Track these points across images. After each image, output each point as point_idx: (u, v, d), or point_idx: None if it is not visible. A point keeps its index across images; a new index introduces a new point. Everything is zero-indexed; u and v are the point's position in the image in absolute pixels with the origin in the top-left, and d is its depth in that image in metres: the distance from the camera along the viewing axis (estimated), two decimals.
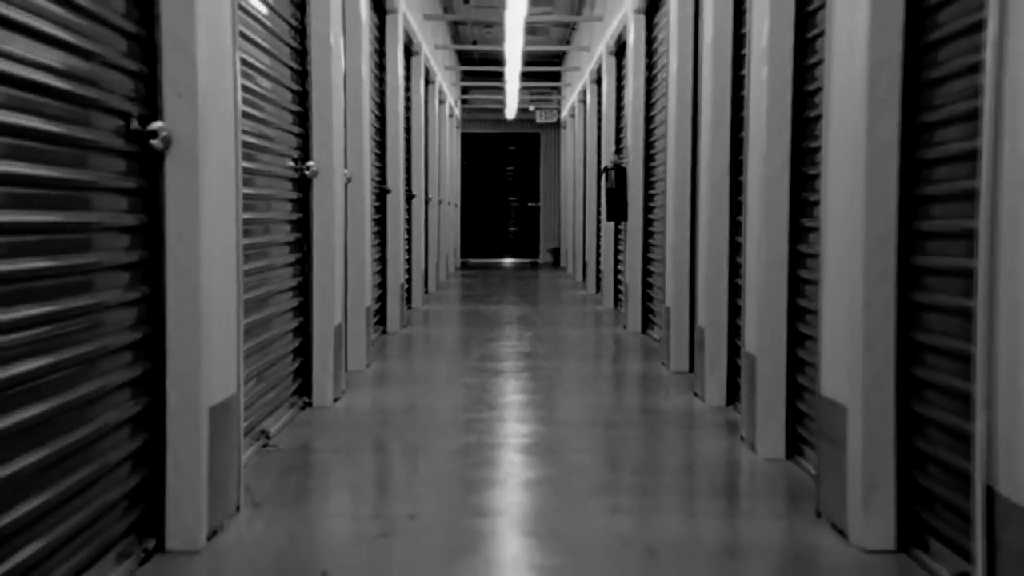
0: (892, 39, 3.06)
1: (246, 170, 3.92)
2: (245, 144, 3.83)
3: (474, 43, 17.06)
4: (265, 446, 4.31)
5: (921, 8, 3.05)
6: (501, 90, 18.22)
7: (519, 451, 4.62)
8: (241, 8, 3.89)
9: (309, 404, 5.29)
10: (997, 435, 2.27)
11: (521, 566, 3.14)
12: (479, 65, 18.21)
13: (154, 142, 2.94)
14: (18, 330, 2.30)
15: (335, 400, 5.41)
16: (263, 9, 4.39)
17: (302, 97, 5.21)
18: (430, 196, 12.33)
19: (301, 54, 5.19)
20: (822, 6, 3.81)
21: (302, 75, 5.21)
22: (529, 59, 15.60)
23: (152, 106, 3.01)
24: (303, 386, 5.26)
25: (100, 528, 2.74)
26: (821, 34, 3.87)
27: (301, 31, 5.17)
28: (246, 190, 3.88)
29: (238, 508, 3.43)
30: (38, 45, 2.38)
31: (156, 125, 2.94)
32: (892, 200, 3.09)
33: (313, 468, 4.28)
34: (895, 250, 3.11)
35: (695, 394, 5.78)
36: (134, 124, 2.87)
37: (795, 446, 4.30)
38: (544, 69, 17.52)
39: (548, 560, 3.16)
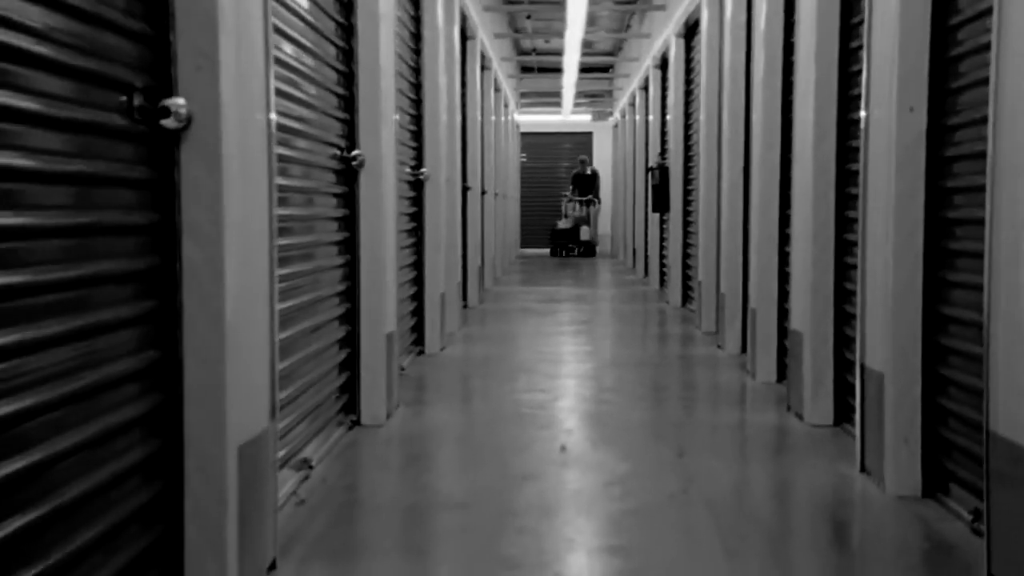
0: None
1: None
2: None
3: (534, 51, 18.69)
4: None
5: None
6: (559, 95, 19.81)
7: (585, 377, 6.32)
8: None
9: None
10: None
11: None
12: (538, 74, 19.87)
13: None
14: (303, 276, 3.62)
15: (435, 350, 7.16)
16: None
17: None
18: (497, 192, 14.04)
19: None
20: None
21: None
22: (583, 67, 17.19)
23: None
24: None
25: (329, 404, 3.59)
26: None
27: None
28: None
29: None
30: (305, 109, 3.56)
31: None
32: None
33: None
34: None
35: (718, 346, 7.43)
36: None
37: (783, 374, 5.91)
38: (597, 76, 19.14)
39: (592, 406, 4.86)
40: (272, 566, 2.90)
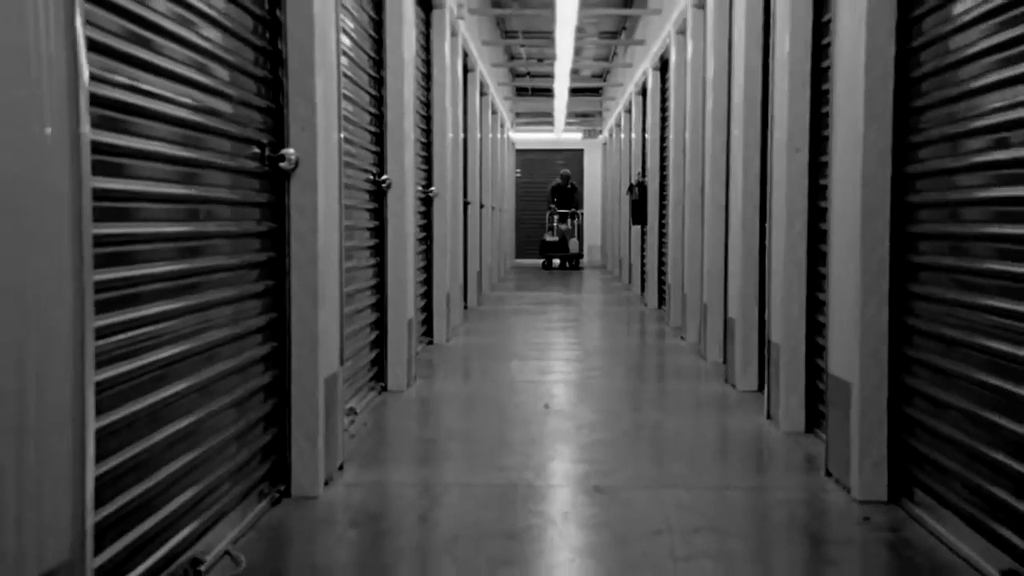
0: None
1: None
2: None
3: (528, 75, 20.06)
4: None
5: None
6: (551, 115, 21.17)
7: (568, 360, 7.64)
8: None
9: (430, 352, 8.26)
10: (830, 337, 5.12)
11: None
12: (533, 96, 21.29)
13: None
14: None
15: (449, 337, 8.48)
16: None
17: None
18: (494, 206, 15.38)
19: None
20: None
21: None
22: (574, 91, 18.57)
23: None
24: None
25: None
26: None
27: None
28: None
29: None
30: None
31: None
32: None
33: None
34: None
35: (681, 338, 8.76)
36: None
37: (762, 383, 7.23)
38: (588, 95, 20.52)
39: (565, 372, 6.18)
40: (340, 467, 4.22)
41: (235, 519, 3.37)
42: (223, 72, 3.30)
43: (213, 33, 3.21)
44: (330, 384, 4.02)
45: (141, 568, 2.60)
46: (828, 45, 4.51)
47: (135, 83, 2.62)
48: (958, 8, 3.39)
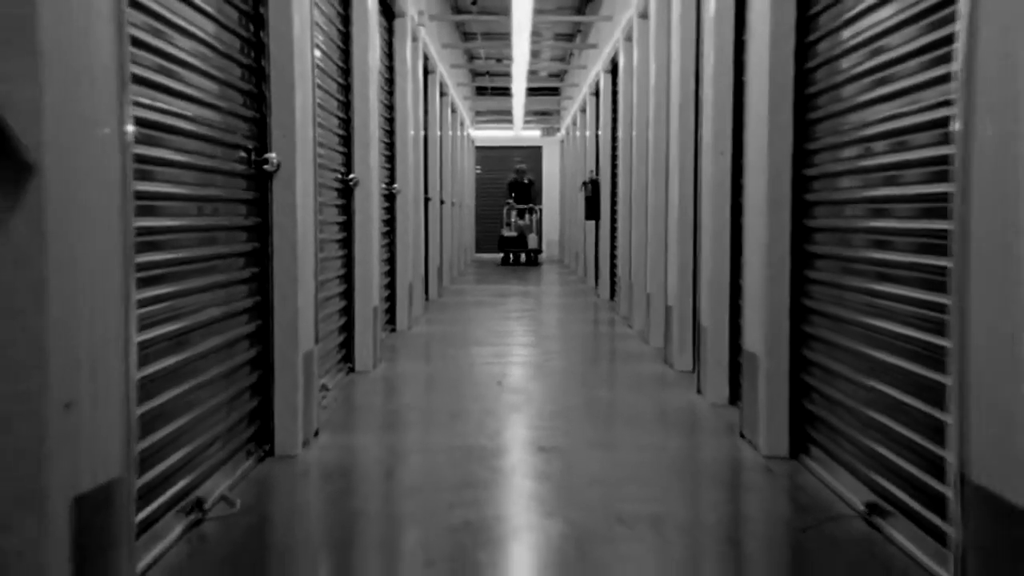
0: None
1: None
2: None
3: (488, 74, 20.64)
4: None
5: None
6: (509, 113, 21.76)
7: (523, 346, 8.24)
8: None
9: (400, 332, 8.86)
10: (745, 317, 5.75)
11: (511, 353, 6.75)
12: (492, 95, 21.86)
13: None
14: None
15: (411, 326, 9.05)
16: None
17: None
18: (453, 201, 15.93)
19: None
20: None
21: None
22: (532, 91, 19.16)
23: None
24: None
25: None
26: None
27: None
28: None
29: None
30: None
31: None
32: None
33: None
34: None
35: (629, 326, 9.39)
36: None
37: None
38: (546, 95, 21.10)
39: (521, 353, 6.78)
40: (316, 433, 4.78)
41: (228, 472, 3.93)
42: (215, 88, 3.85)
43: (209, 54, 3.76)
44: (307, 359, 4.59)
45: (161, 499, 3.16)
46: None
47: (153, 102, 3.18)
48: (844, 35, 4.01)
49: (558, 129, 24.38)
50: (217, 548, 3.26)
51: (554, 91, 22.49)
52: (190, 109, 3.56)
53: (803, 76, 4.39)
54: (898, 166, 3.45)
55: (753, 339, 4.67)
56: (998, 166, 2.33)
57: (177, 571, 3.02)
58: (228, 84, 3.98)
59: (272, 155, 4.30)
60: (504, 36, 14.79)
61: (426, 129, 11.89)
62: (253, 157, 4.27)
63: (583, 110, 16.49)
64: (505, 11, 11.89)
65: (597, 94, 14.12)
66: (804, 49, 4.38)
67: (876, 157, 3.65)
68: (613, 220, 12.40)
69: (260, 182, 4.35)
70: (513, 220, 21.02)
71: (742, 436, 4.79)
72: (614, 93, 12.31)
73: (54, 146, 2.08)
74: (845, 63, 3.99)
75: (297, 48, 4.40)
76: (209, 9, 3.76)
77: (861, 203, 3.83)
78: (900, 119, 3.42)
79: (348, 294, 6.75)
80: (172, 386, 3.34)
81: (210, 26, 3.79)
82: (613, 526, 3.49)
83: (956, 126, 2.54)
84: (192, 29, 3.56)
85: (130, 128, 2.48)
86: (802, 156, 4.40)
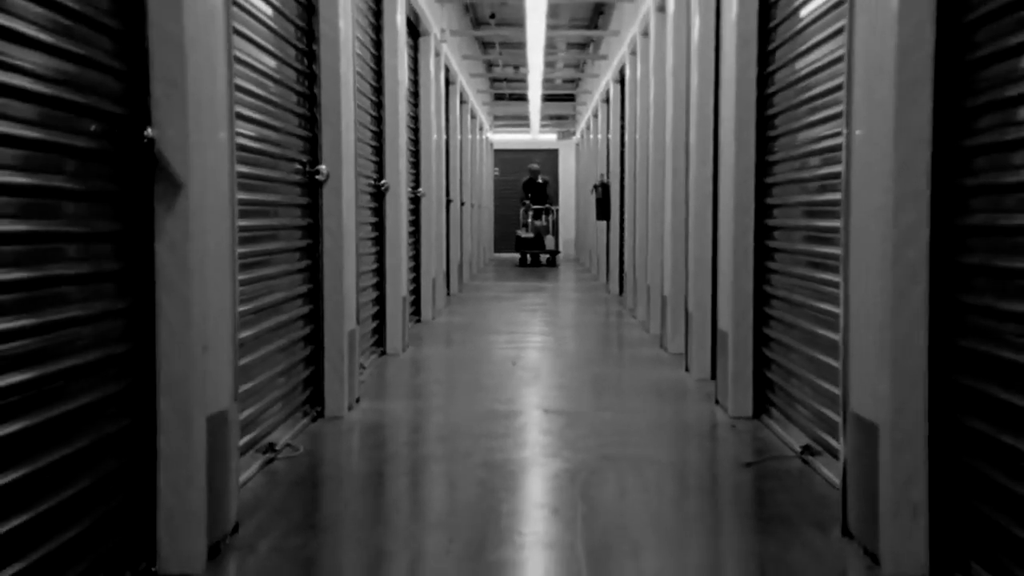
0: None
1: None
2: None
3: (506, 81, 21.54)
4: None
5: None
6: (527, 118, 22.67)
7: (536, 334, 9.14)
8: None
9: (418, 320, 9.80)
10: (690, 284, 6.64)
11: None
12: (510, 101, 22.79)
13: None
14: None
15: (433, 318, 9.97)
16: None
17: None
18: (473, 203, 16.85)
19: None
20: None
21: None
22: (548, 97, 20.06)
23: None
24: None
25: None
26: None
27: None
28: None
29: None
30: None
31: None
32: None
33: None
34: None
35: (633, 316, 10.28)
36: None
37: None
38: (561, 102, 21.99)
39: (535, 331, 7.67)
40: (357, 400, 5.68)
41: (288, 427, 4.84)
42: (273, 111, 4.76)
43: (271, 85, 4.67)
44: (351, 337, 5.50)
45: (245, 439, 4.08)
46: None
47: (238, 129, 4.09)
48: (797, 65, 4.88)
49: (574, 133, 25.27)
50: (286, 477, 4.17)
51: (570, 97, 23.39)
52: (259, 131, 4.48)
53: (764, 100, 5.26)
54: (827, 176, 4.33)
55: (724, 320, 5.54)
56: (863, 166, 3.21)
57: (260, 490, 3.93)
58: (287, 109, 4.90)
59: (323, 167, 5.21)
60: (521, 46, 15.68)
61: (447, 134, 12.81)
62: (307, 169, 5.18)
63: (596, 116, 17.37)
64: (521, 23, 12.77)
65: (608, 101, 15.00)
66: (764, 78, 5.26)
67: (812, 169, 4.53)
68: (622, 220, 13.27)
69: (312, 190, 5.26)
70: (530, 221, 20.88)
71: (716, 402, 5.66)
72: (622, 102, 13.19)
73: (193, 169, 2.99)
74: (793, 91, 4.86)
75: (343, 78, 5.32)
76: (271, 47, 4.67)
77: (802, 206, 4.70)
78: (828, 139, 4.30)
79: (380, 286, 7.66)
80: (251, 352, 4.25)
81: (271, 61, 4.70)
82: (601, 463, 4.38)
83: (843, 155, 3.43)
84: (258, 64, 4.47)
85: (233, 154, 3.40)
86: (763, 167, 5.27)
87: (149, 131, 2.86)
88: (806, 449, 4.37)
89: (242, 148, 4.13)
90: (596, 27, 15.31)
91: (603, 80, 15.00)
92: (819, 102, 4.48)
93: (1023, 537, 2.59)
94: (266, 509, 3.68)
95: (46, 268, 2.54)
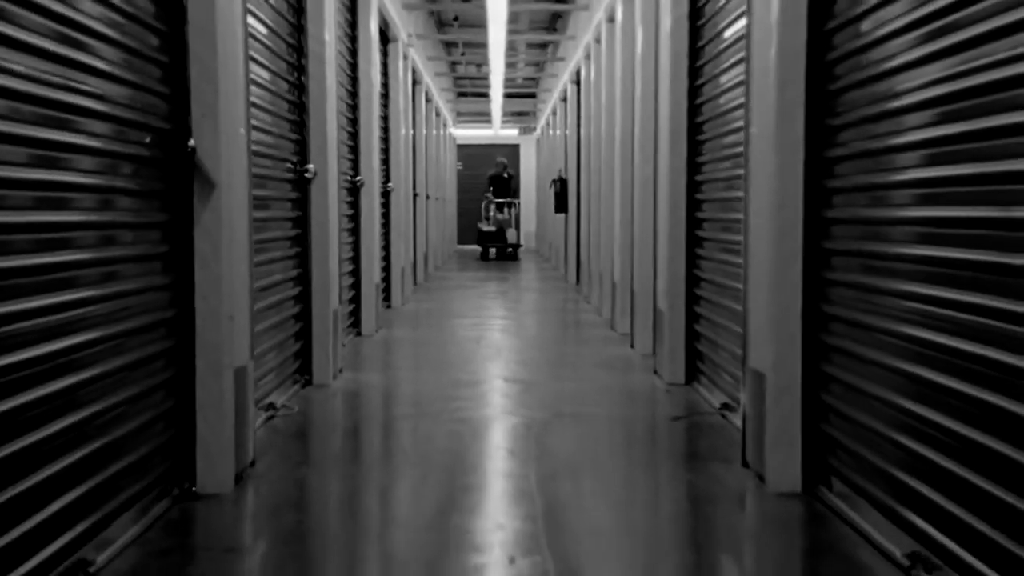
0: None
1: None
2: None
3: (468, 78, 22.29)
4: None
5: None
6: (489, 114, 23.43)
7: (498, 318, 9.93)
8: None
9: (388, 305, 10.56)
10: (616, 261, 7.47)
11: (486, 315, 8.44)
12: (472, 98, 23.52)
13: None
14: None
15: (403, 304, 10.73)
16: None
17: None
18: (437, 196, 17.59)
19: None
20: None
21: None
22: (509, 94, 20.82)
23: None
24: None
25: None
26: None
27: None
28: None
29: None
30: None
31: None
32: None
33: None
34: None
35: (587, 301, 11.10)
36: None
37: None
38: (522, 99, 22.75)
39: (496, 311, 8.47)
40: (340, 371, 6.45)
41: (283, 392, 5.60)
42: (270, 119, 5.50)
43: (269, 97, 5.42)
44: (335, 315, 6.26)
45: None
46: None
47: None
48: (721, 80, 5.69)
49: (535, 128, 26.07)
50: (286, 430, 4.93)
51: (531, 95, 24.18)
52: (259, 136, 5.23)
53: (694, 109, 6.08)
54: (738, 176, 5.14)
55: (662, 301, 6.36)
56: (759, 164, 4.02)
57: (267, 439, 4.69)
58: (280, 116, 5.64)
59: (311, 166, 5.96)
60: (483, 46, 16.43)
61: (414, 131, 13.56)
62: (297, 168, 5.93)
63: (555, 113, 18.17)
64: (483, 24, 13.52)
65: (566, 100, 15.80)
66: (694, 90, 6.07)
67: (729, 170, 5.35)
68: (579, 213, 14.08)
69: (301, 186, 6.01)
70: (492, 214, 21.19)
71: (655, 373, 6.48)
72: (578, 102, 13.99)
73: (223, 171, 3.74)
74: (716, 103, 5.68)
75: (328, 88, 6.07)
76: (267, 63, 5.41)
77: (720, 201, 5.53)
78: (741, 145, 5.11)
79: (356, 273, 8.42)
80: (255, 324, 5.00)
81: (266, 74, 5.44)
82: (552, 418, 5.19)
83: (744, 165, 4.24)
84: (258, 78, 5.22)
85: (250, 160, 4.15)
86: (694, 167, 6.09)
87: (191, 142, 3.61)
88: (724, 406, 5.20)
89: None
90: (555, 31, 16.10)
91: (561, 80, 15.81)
92: (736, 113, 5.29)
93: (871, 459, 3.41)
94: (273, 452, 4.44)
95: (112, 249, 3.29)
